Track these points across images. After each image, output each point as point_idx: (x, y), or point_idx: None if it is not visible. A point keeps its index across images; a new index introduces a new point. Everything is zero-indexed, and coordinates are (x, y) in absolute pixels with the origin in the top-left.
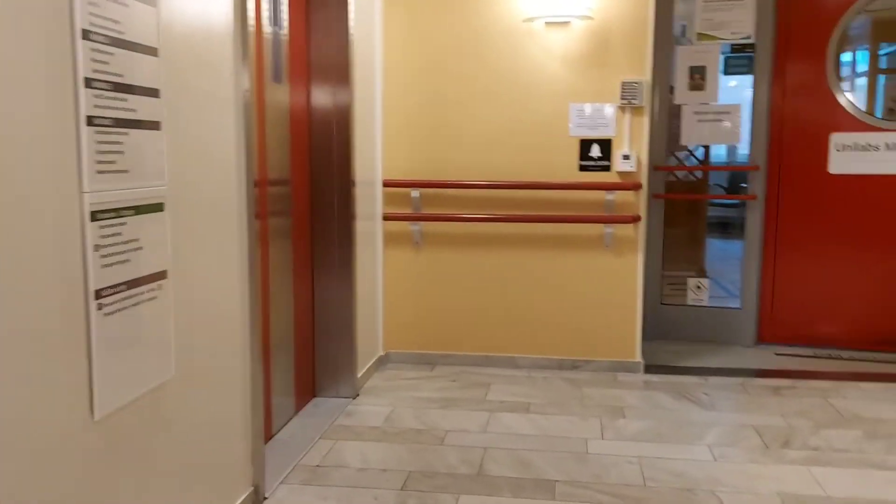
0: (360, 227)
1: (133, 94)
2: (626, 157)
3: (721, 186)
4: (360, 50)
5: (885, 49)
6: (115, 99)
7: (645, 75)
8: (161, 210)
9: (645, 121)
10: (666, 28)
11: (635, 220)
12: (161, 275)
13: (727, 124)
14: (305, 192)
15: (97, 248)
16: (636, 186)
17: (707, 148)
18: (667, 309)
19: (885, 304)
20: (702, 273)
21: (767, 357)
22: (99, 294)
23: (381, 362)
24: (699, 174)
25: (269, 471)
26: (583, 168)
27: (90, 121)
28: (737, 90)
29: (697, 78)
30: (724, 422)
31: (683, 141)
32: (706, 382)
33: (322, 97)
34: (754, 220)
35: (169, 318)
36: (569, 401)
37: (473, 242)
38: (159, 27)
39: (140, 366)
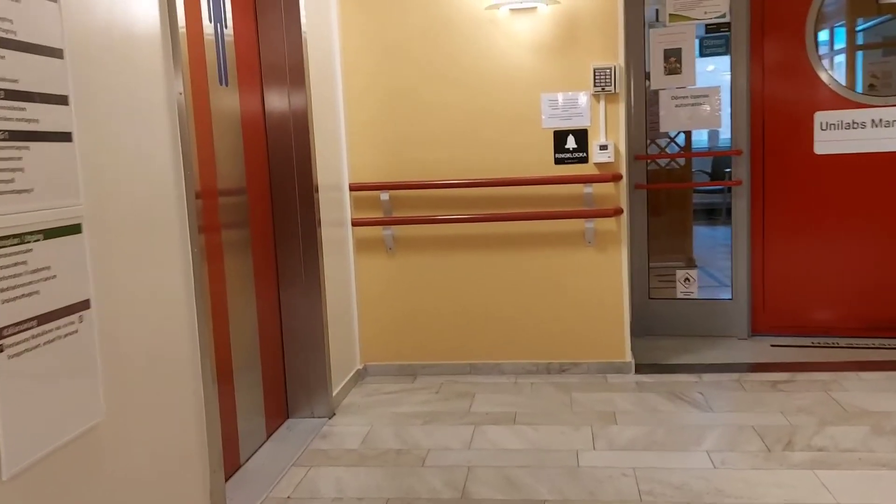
0: (328, 234)
1: (32, 101)
2: (603, 148)
3: (705, 172)
4: (315, 48)
5: (861, 24)
6: (9, 108)
7: (617, 60)
8: (78, 232)
9: (621, 108)
10: (637, 10)
11: (617, 212)
12: (82, 305)
13: (707, 108)
14: (265, 201)
15: None
16: (616, 178)
17: (688, 134)
18: (655, 304)
19: (879, 288)
20: (690, 263)
21: (763, 349)
22: (1, 334)
23: (360, 376)
24: (682, 161)
25: None
26: (558, 161)
27: None
28: (715, 74)
29: (673, 61)
30: (722, 423)
31: (663, 127)
32: (700, 380)
33: (277, 100)
34: (741, 207)
35: (94, 354)
36: (557, 408)
37: (449, 245)
38: (63, 25)
39: (60, 411)
